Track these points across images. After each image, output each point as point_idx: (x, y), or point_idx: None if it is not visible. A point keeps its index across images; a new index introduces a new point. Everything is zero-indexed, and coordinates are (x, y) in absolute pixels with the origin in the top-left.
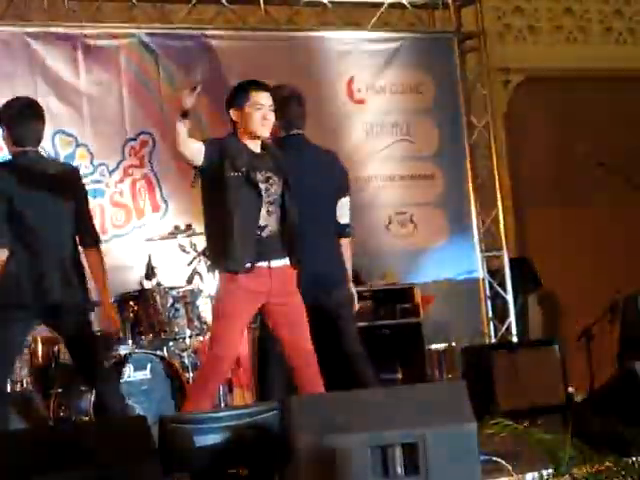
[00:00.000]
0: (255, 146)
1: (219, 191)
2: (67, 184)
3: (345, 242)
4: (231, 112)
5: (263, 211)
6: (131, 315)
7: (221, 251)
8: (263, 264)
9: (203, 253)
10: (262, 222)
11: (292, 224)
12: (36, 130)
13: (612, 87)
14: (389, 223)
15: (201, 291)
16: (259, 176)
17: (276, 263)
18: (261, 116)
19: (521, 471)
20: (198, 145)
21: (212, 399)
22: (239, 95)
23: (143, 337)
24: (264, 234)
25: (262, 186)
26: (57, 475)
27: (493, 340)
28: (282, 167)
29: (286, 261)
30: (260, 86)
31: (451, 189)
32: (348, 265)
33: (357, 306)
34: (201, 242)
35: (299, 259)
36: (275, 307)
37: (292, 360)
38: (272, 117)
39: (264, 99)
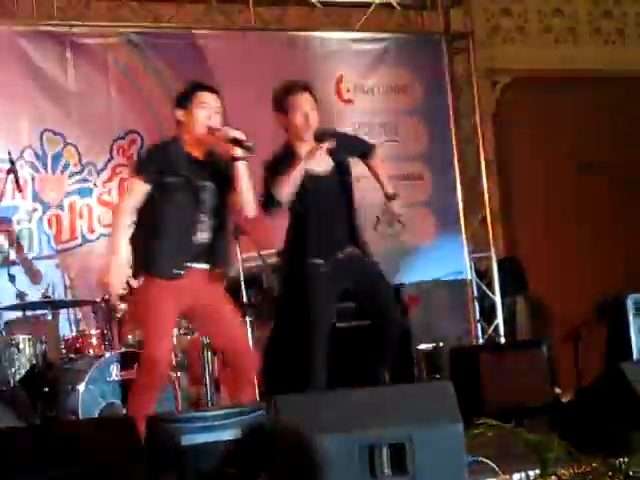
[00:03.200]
0: (200, 152)
1: (157, 194)
2: None
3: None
4: (176, 112)
5: (202, 221)
6: (119, 314)
7: (151, 255)
8: (195, 265)
9: None
10: (199, 233)
11: (225, 235)
12: None
13: (600, 88)
14: (377, 223)
15: None
16: (198, 184)
17: (199, 266)
18: (206, 117)
19: (508, 472)
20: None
21: (152, 405)
22: (185, 96)
23: (130, 335)
24: (196, 242)
25: (203, 195)
26: (43, 474)
27: (480, 341)
28: (222, 177)
29: (206, 266)
30: (207, 87)
31: (439, 189)
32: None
33: None
34: None
35: (225, 267)
36: (200, 309)
37: (226, 360)
38: (218, 119)
39: (210, 100)
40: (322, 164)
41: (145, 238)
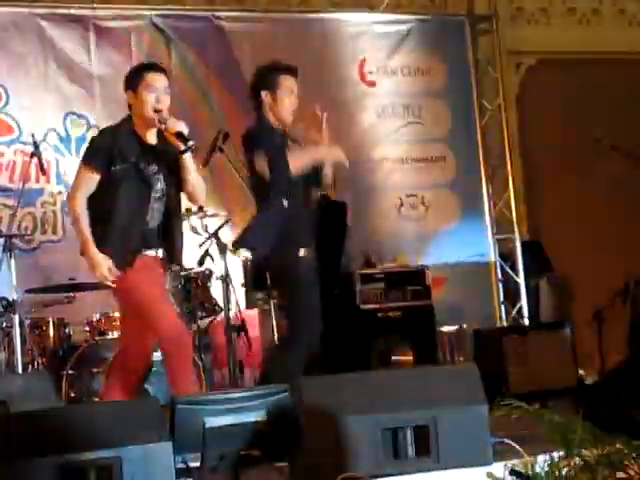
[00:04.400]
0: (150, 135)
1: (106, 182)
2: None
3: None
4: (127, 95)
5: (150, 206)
6: None
7: (104, 243)
8: (152, 252)
9: (214, 235)
10: (150, 218)
11: (173, 221)
12: None
13: (624, 70)
14: (401, 205)
15: (212, 272)
16: (150, 168)
17: (151, 253)
18: (154, 99)
19: (532, 453)
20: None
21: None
22: (132, 78)
23: None
24: (149, 227)
25: (153, 180)
26: (68, 457)
27: (504, 323)
28: (171, 161)
29: (160, 252)
30: (155, 68)
31: (463, 172)
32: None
33: None
34: (213, 224)
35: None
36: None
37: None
38: (166, 100)
39: (158, 81)
40: None
41: (99, 226)
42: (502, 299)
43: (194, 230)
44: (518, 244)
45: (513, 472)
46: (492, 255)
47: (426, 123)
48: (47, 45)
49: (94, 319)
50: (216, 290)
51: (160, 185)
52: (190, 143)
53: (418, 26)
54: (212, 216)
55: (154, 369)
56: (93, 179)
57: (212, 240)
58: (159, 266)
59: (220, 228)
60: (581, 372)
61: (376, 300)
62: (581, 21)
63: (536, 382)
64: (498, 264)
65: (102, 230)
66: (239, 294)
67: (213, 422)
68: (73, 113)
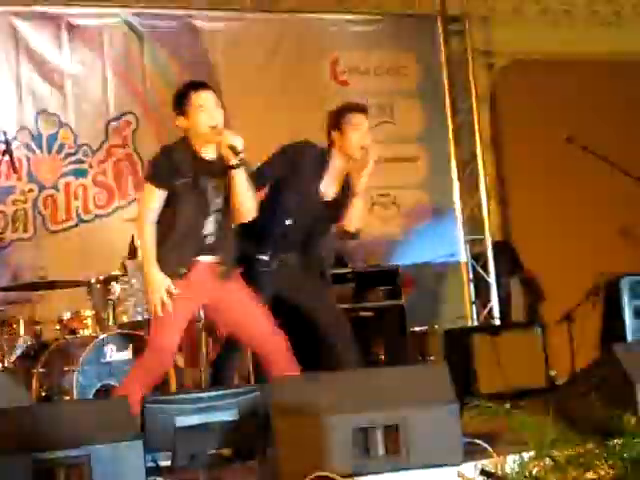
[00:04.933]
0: (208, 151)
1: (169, 197)
2: None
3: None
4: (177, 120)
5: (209, 219)
6: (113, 295)
7: (160, 253)
8: (205, 259)
9: None
10: (206, 230)
11: (226, 233)
12: None
13: (597, 71)
14: (373, 205)
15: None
16: (207, 183)
17: (206, 258)
18: (206, 118)
19: (502, 453)
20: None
21: (146, 390)
22: (179, 100)
23: (125, 317)
24: (207, 241)
25: (211, 194)
26: (37, 456)
27: (475, 323)
28: (225, 175)
29: (215, 258)
30: (199, 86)
31: (435, 172)
32: None
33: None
34: None
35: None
36: (213, 302)
37: (257, 349)
38: (219, 115)
39: (205, 99)
40: None
41: (158, 238)
42: (473, 299)
43: None
44: (489, 244)
45: (483, 472)
46: (463, 255)
47: (398, 123)
48: (20, 43)
49: (65, 317)
50: None
51: (219, 199)
52: (240, 157)
53: (390, 25)
54: None
55: (125, 368)
56: (159, 196)
57: None
58: (215, 273)
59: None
60: (552, 372)
61: (347, 300)
62: (554, 22)
63: (507, 382)
64: (469, 264)
65: (161, 241)
66: None
67: (183, 421)
68: (45, 111)
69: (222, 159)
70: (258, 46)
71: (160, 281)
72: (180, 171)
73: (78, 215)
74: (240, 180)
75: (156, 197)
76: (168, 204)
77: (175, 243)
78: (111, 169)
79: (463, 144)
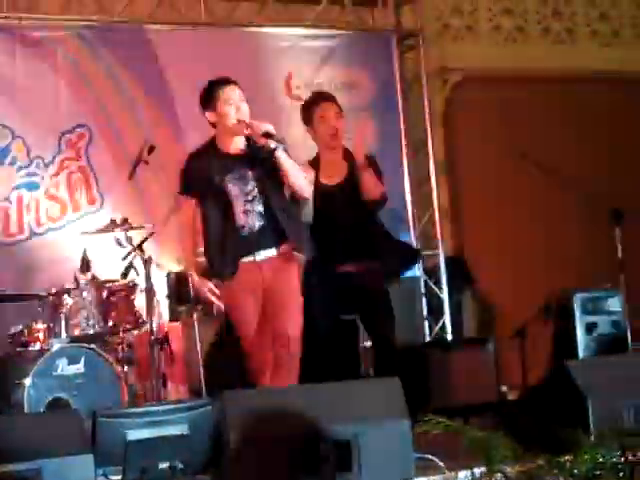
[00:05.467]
0: (236, 145)
1: (203, 202)
2: None
3: None
4: (206, 115)
5: (239, 211)
6: (65, 309)
7: (208, 260)
8: (248, 259)
9: (139, 247)
10: (240, 222)
11: (276, 215)
12: None
13: (549, 87)
14: None
15: (136, 285)
16: (229, 177)
17: (262, 255)
18: (234, 111)
19: (454, 469)
20: None
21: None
22: (207, 96)
23: (77, 330)
24: (244, 233)
25: (233, 187)
26: None
27: (428, 338)
28: (265, 161)
29: (273, 251)
30: (223, 82)
31: (389, 188)
32: None
33: None
34: (137, 236)
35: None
36: (268, 294)
37: (274, 344)
38: (245, 108)
39: (232, 93)
40: None
41: (204, 245)
42: (426, 314)
43: (118, 242)
44: (442, 260)
45: None
46: (416, 270)
47: (352, 138)
48: None
49: (16, 330)
50: (140, 303)
51: (249, 187)
52: (279, 138)
53: (344, 41)
54: (136, 228)
55: (76, 381)
56: (190, 205)
57: (136, 252)
58: (263, 270)
59: (144, 241)
60: (503, 388)
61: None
62: (507, 39)
63: (458, 398)
64: (422, 279)
65: (207, 248)
66: (163, 307)
67: (135, 435)
68: None
69: (256, 148)
70: (212, 60)
71: (201, 282)
72: (204, 175)
73: (30, 228)
74: (285, 160)
75: (189, 207)
76: (203, 209)
77: (215, 246)
78: (64, 182)
79: (417, 160)
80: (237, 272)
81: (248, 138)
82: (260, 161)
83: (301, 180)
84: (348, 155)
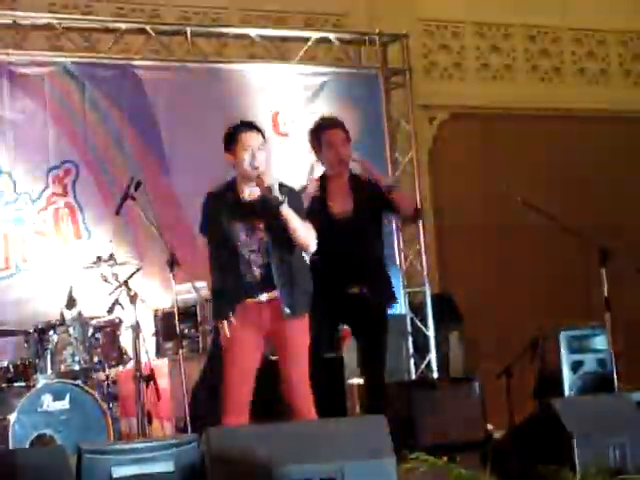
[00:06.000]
0: (252, 192)
1: (211, 242)
2: None
3: None
4: (226, 156)
5: (242, 260)
6: (51, 345)
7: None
8: (252, 300)
9: (125, 283)
10: (244, 271)
11: (275, 269)
12: None
13: (537, 124)
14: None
15: (122, 321)
16: (238, 224)
17: (266, 296)
18: (250, 157)
19: None
20: None
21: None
22: (229, 138)
23: (62, 366)
24: (247, 279)
25: (241, 235)
26: None
27: (413, 376)
28: (274, 213)
29: (276, 294)
30: (247, 126)
31: None
32: None
33: None
34: (123, 272)
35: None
36: (271, 335)
37: (284, 386)
38: (262, 157)
39: (252, 139)
40: None
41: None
42: (412, 352)
43: (104, 278)
44: (428, 297)
45: None
46: (403, 307)
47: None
48: None
49: (1, 366)
50: (126, 339)
51: (258, 237)
52: (277, 196)
53: (332, 78)
54: (122, 264)
55: (62, 417)
56: (205, 243)
57: (122, 289)
58: (272, 310)
59: (131, 277)
60: (489, 426)
61: None
62: (494, 76)
63: (444, 436)
64: (408, 317)
65: (214, 288)
66: (149, 344)
67: (120, 472)
68: None
69: (264, 199)
70: (199, 96)
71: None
72: (214, 214)
73: (16, 264)
74: (287, 216)
75: (207, 245)
76: (210, 251)
77: (220, 287)
78: (51, 217)
79: None
80: (236, 313)
81: (261, 185)
82: (270, 213)
83: (305, 236)
84: (355, 182)
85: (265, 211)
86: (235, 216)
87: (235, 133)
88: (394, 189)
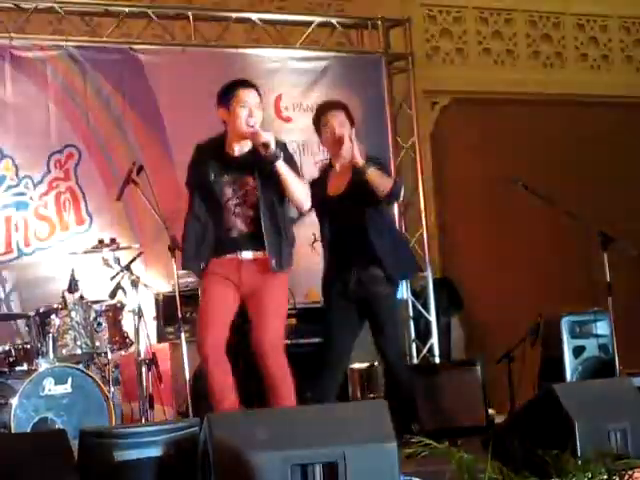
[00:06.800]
0: (242, 148)
1: (191, 194)
2: None
3: None
4: (219, 111)
5: (229, 214)
6: (53, 329)
7: (184, 250)
8: (232, 255)
9: (127, 267)
10: (228, 225)
11: (265, 223)
12: None
13: (538, 110)
14: (314, 241)
15: (124, 306)
16: (226, 179)
17: (247, 255)
18: (247, 114)
19: None
20: None
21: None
22: (225, 93)
23: (64, 350)
24: (232, 234)
25: (227, 189)
26: None
27: (415, 360)
28: (267, 170)
29: (258, 254)
30: (246, 84)
31: None
32: None
33: None
34: (125, 256)
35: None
36: (247, 296)
37: (255, 350)
38: (259, 115)
39: (250, 96)
40: None
41: (187, 235)
42: (413, 337)
43: (106, 263)
44: (430, 282)
45: None
46: (404, 292)
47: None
48: None
49: (2, 350)
50: (128, 323)
51: (243, 192)
52: (270, 152)
53: (335, 63)
54: (125, 249)
55: (64, 401)
56: (190, 195)
57: (124, 273)
58: (254, 269)
59: (133, 261)
60: (491, 411)
61: (287, 335)
62: (496, 61)
63: (446, 420)
64: (410, 302)
65: (186, 238)
66: (150, 328)
67: (121, 456)
68: None
69: (256, 155)
70: (201, 81)
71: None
72: (199, 168)
73: (19, 248)
74: (283, 172)
75: (190, 197)
76: (191, 203)
77: (197, 239)
78: (53, 202)
79: (405, 182)
80: (210, 267)
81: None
82: (262, 169)
83: (300, 193)
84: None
85: (255, 166)
86: (223, 171)
87: (232, 89)
88: (368, 168)
